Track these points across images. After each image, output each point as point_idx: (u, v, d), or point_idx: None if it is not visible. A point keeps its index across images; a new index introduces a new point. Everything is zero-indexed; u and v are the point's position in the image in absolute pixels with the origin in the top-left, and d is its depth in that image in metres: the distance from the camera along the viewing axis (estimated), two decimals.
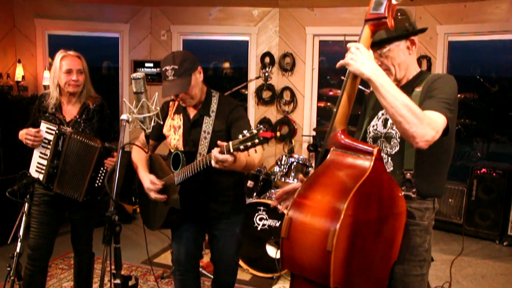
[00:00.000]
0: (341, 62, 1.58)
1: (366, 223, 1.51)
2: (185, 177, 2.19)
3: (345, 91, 1.62)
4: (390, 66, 1.76)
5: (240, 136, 1.86)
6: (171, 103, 2.47)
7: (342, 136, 1.62)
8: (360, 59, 1.52)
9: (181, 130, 2.36)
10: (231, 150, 1.87)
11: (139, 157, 2.46)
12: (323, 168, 1.61)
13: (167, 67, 2.19)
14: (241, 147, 1.85)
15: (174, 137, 2.38)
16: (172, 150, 2.37)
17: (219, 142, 1.93)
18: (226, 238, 2.41)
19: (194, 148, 2.29)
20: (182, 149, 2.34)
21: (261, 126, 1.89)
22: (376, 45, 1.73)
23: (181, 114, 2.38)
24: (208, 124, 2.27)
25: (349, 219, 1.42)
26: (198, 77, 2.26)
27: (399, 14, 1.71)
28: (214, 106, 2.31)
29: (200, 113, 2.31)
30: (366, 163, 1.52)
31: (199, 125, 2.30)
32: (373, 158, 1.51)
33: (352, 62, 1.54)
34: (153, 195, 2.30)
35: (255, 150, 2.05)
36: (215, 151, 1.92)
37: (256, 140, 1.83)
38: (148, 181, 2.31)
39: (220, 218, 2.38)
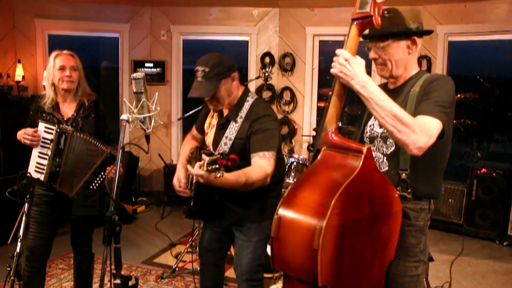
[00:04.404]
0: (331, 71, 1.61)
1: (356, 222, 1.51)
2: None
3: (334, 92, 1.64)
4: (387, 61, 1.76)
5: (210, 157, 1.79)
6: None
7: (333, 135, 1.63)
8: (349, 72, 1.55)
9: (214, 130, 2.31)
10: (204, 168, 1.80)
11: (184, 149, 2.47)
12: (313, 167, 1.63)
13: (199, 68, 2.12)
14: (209, 168, 1.77)
15: (209, 135, 2.35)
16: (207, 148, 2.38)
17: (202, 156, 1.91)
18: (243, 242, 2.33)
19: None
20: (211, 148, 2.30)
21: (226, 151, 1.83)
22: (375, 39, 1.74)
23: (218, 114, 2.32)
24: (232, 130, 2.18)
25: (336, 217, 1.42)
26: (229, 83, 2.16)
27: (386, 12, 1.70)
28: (244, 112, 2.18)
29: (227, 118, 2.22)
30: (355, 161, 1.53)
31: (224, 129, 2.22)
32: (363, 156, 1.52)
33: (341, 75, 1.57)
34: (176, 189, 2.32)
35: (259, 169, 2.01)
36: (192, 166, 1.90)
37: (217, 165, 1.76)
38: (176, 177, 2.32)
39: (241, 223, 2.31)
